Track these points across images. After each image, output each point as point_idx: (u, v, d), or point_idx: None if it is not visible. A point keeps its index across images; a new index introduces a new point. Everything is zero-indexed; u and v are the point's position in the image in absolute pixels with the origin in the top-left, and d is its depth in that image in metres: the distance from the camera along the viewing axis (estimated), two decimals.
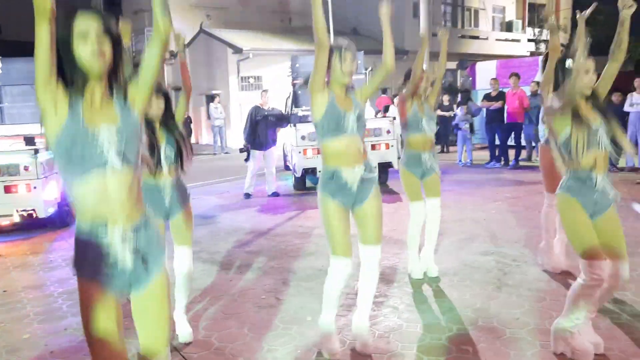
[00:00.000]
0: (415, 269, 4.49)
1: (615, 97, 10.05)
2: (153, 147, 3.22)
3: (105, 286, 1.87)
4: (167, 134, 3.34)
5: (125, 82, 1.92)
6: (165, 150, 3.29)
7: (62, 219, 6.91)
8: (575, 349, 2.98)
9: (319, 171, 9.20)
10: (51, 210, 6.62)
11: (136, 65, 1.98)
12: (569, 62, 2.98)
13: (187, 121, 16.78)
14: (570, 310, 2.99)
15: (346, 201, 3.07)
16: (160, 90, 3.32)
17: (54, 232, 6.75)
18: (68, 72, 1.82)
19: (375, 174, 3.20)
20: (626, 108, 9.65)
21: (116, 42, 1.86)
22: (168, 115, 3.38)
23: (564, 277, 4.31)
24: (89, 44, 1.79)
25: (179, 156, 3.36)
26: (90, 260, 1.86)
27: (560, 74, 3.06)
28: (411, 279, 4.46)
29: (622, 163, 10.01)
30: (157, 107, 3.31)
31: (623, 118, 9.67)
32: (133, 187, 1.88)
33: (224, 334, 3.54)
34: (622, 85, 10.21)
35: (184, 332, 3.46)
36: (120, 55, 1.89)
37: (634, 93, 9.63)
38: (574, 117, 2.88)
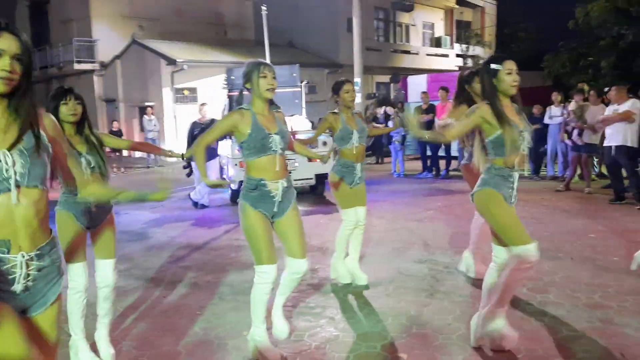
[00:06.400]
0: (342, 273, 4.59)
1: (536, 110, 10.61)
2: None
3: (5, 304, 1.80)
4: (85, 141, 3.20)
5: (34, 106, 1.85)
6: (86, 158, 3.14)
7: None
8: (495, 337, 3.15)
9: None
10: None
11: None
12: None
13: (118, 134, 16.29)
14: (496, 302, 3.10)
15: (267, 211, 3.16)
16: (76, 96, 3.16)
17: None
18: None
19: (294, 189, 3.32)
20: (546, 120, 10.19)
21: (28, 64, 1.81)
22: (84, 121, 3.23)
23: None
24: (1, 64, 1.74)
25: (102, 164, 3.23)
26: None
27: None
28: (341, 285, 4.55)
29: (543, 172, 10.58)
30: (73, 113, 3.14)
31: (543, 130, 10.21)
32: (40, 210, 1.83)
33: (157, 352, 3.44)
34: (542, 99, 10.81)
35: (105, 354, 3.29)
36: (29, 78, 1.83)
37: (552, 106, 10.19)
38: (500, 119, 2.98)
